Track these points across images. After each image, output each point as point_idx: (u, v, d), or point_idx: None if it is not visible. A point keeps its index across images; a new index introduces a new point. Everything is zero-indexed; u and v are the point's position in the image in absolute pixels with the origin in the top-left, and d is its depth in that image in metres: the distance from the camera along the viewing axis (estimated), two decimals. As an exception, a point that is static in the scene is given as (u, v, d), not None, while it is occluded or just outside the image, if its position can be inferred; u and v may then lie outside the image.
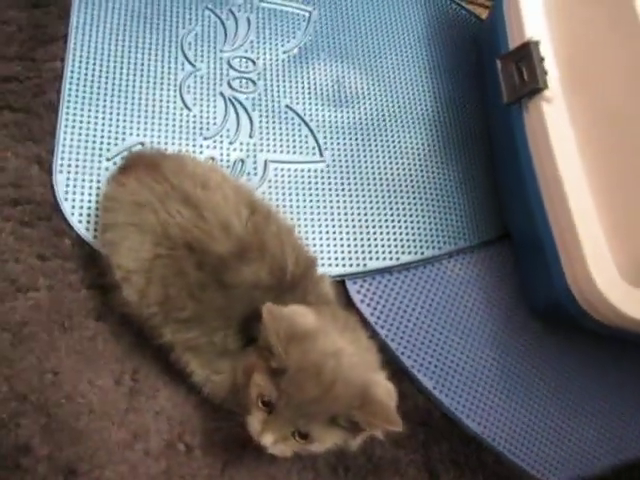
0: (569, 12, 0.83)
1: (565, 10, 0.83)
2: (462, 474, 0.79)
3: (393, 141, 0.90)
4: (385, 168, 0.88)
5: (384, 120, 0.91)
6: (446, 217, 0.88)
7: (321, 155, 0.86)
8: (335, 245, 0.81)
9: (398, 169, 0.88)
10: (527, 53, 0.80)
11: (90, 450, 0.68)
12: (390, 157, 0.89)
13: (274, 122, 0.86)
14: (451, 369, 0.81)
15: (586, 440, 0.85)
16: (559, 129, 0.76)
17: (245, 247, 0.63)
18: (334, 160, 0.86)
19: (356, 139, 0.88)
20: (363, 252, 0.82)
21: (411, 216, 0.86)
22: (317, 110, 0.89)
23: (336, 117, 0.89)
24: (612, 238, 0.72)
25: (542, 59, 0.79)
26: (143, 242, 0.64)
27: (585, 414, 0.87)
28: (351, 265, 0.81)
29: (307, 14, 0.95)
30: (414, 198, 0.87)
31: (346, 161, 0.87)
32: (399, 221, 0.85)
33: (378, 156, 0.88)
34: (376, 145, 0.89)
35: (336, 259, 0.81)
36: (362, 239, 0.83)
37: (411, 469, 0.77)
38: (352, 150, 0.88)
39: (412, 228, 0.85)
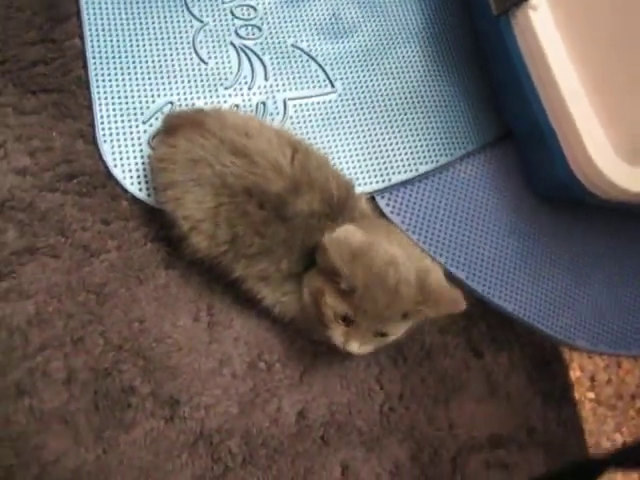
0: None
1: None
2: (501, 347, 0.90)
3: (394, 62, 0.97)
4: (391, 88, 0.95)
5: (382, 43, 0.98)
6: (453, 125, 0.96)
7: (332, 86, 0.93)
8: (360, 166, 0.90)
9: (403, 87, 0.95)
10: None
11: (186, 382, 0.79)
12: (394, 77, 0.96)
13: (285, 62, 0.92)
14: (478, 259, 0.91)
15: (601, 305, 0.97)
16: (546, 32, 0.84)
17: (296, 182, 0.71)
18: (344, 89, 0.93)
19: (361, 65, 0.95)
20: (386, 168, 0.90)
21: (422, 129, 0.94)
22: (321, 44, 0.95)
23: (339, 48, 0.95)
24: (606, 123, 0.81)
25: None
26: (205, 194, 0.72)
27: (598, 282, 0.98)
28: (377, 182, 0.89)
29: (295, -47, 1.00)
30: (422, 112, 0.95)
31: (356, 88, 0.94)
32: (412, 135, 0.93)
33: (383, 78, 0.95)
34: (380, 68, 0.96)
35: (364, 179, 0.89)
36: (383, 157, 0.91)
37: (458, 351, 0.88)
38: (359, 76, 0.94)
39: (425, 140, 0.93)
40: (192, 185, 0.72)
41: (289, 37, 0.94)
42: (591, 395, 0.94)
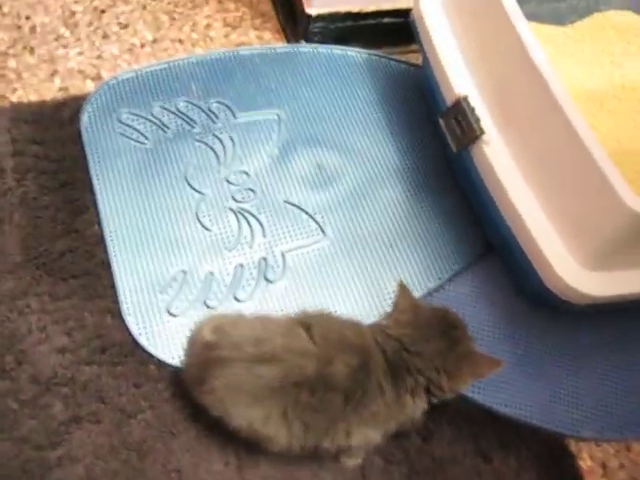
0: (487, 65, 1.00)
1: (484, 63, 1.00)
2: (509, 450, 0.97)
3: (378, 201, 1.09)
4: (378, 226, 1.06)
5: (365, 186, 1.10)
6: (438, 251, 1.06)
7: (324, 233, 1.04)
8: (357, 304, 0.99)
9: (389, 224, 1.07)
10: (460, 108, 0.98)
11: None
12: (379, 215, 1.07)
13: (279, 218, 1.04)
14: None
15: (603, 393, 1.03)
16: (502, 163, 0.94)
17: (325, 354, 0.79)
18: (335, 234, 1.04)
19: (347, 209, 1.07)
20: (380, 302, 1.00)
21: (410, 260, 1.04)
22: (309, 196, 1.07)
23: (326, 197, 1.08)
24: (566, 240, 0.89)
25: (473, 109, 0.97)
26: (267, 410, 0.79)
27: (598, 371, 1.04)
28: (374, 317, 0.98)
29: (276, 117, 1.14)
30: (408, 244, 1.05)
31: (345, 231, 1.05)
32: (402, 267, 1.03)
33: (369, 218, 1.07)
34: (365, 209, 1.08)
35: (360, 315, 0.98)
36: (376, 292, 1.01)
37: (467, 459, 0.96)
38: (347, 220, 1.06)
39: (414, 269, 1.03)
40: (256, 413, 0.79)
41: (280, 194, 1.07)
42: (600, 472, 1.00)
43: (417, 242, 1.06)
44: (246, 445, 0.91)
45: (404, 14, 1.19)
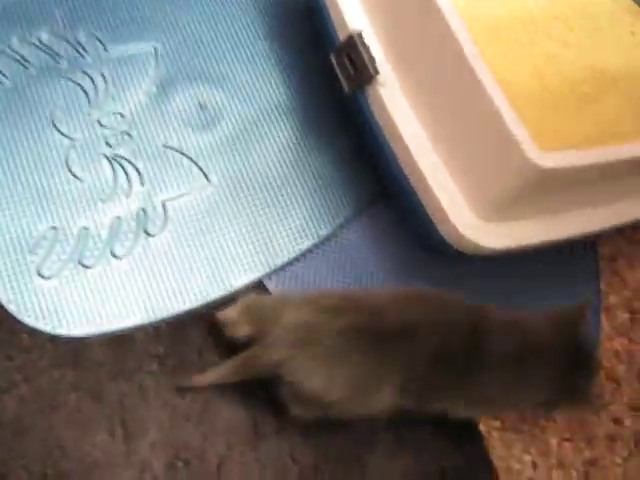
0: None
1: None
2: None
3: (265, 143, 1.01)
4: (265, 170, 0.99)
5: (251, 126, 1.02)
6: (330, 195, 1.00)
7: (208, 179, 0.97)
8: (245, 254, 0.94)
9: (277, 167, 0.99)
10: (354, 45, 0.91)
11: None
12: (267, 158, 1.00)
13: (158, 164, 0.96)
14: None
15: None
16: (398, 106, 0.89)
17: None
18: (220, 180, 0.97)
19: (232, 152, 0.99)
20: (269, 252, 0.94)
21: (300, 206, 0.98)
22: (190, 139, 0.98)
23: (209, 139, 0.99)
24: (462, 189, 0.87)
25: (368, 47, 0.90)
26: None
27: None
28: (262, 267, 0.94)
29: (153, 49, 1.03)
30: (298, 189, 0.99)
31: (231, 177, 0.97)
32: (292, 213, 0.98)
33: (256, 161, 0.99)
34: (252, 152, 1.00)
35: (249, 265, 0.93)
36: (265, 241, 0.95)
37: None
38: (233, 164, 0.98)
39: (304, 216, 0.98)
40: None
41: (159, 138, 0.97)
42: (497, 424, 1.01)
43: (308, 187, 1.00)
44: (133, 412, 0.87)
45: None
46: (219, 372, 0.86)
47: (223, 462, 0.88)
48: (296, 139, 1.03)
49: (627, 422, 1.06)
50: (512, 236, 0.87)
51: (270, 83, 1.06)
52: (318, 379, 0.78)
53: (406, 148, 0.88)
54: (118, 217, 0.92)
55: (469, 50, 0.82)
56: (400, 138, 0.89)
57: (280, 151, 1.02)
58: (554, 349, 0.86)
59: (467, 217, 0.86)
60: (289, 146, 1.02)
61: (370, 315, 0.80)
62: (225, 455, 0.88)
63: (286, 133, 1.03)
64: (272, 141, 1.02)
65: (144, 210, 0.93)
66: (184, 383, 0.87)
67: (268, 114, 1.04)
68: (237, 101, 1.03)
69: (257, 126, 1.03)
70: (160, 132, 0.98)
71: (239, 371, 0.85)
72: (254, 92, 1.05)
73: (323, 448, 0.91)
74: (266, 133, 1.02)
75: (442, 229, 0.88)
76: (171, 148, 0.98)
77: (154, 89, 1.01)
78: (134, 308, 0.88)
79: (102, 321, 0.86)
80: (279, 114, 1.04)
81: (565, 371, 0.86)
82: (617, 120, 1.05)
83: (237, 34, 1.08)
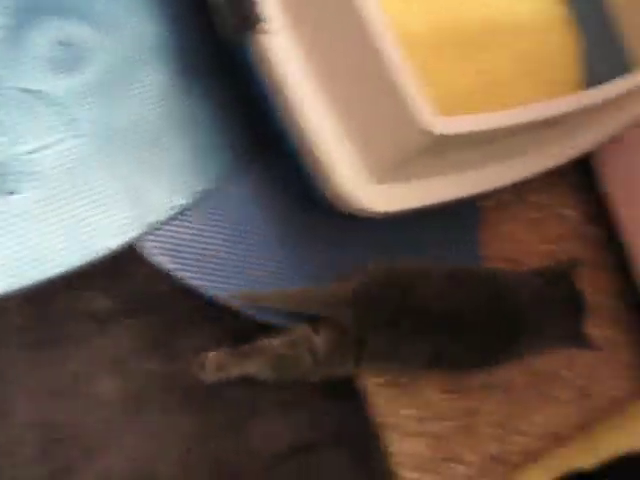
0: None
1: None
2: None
3: (137, 88, 0.91)
4: (138, 118, 0.90)
5: (123, 68, 0.91)
6: (209, 147, 0.94)
7: (74, 129, 0.86)
8: (118, 212, 0.86)
9: (152, 114, 0.91)
10: None
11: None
12: (139, 105, 0.91)
13: (16, 111, 0.84)
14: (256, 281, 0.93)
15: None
16: (285, 58, 0.83)
17: None
18: (87, 130, 0.87)
19: (102, 99, 0.89)
20: (144, 211, 0.87)
21: (177, 159, 0.91)
22: (53, 81, 0.87)
23: (74, 83, 0.88)
24: (352, 149, 0.83)
25: None
26: None
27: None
28: (138, 226, 0.86)
29: (5, -24, 0.89)
30: (174, 141, 0.92)
31: (99, 126, 0.88)
32: (168, 168, 0.91)
33: (127, 109, 0.90)
34: (122, 98, 0.90)
35: (123, 225, 0.86)
36: (139, 199, 0.88)
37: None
38: (101, 112, 0.88)
39: (182, 170, 0.91)
40: None
41: (17, 80, 0.85)
42: (380, 381, 1.03)
43: (185, 139, 0.93)
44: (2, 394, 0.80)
45: None
46: (285, 293, 0.89)
47: (101, 436, 0.83)
48: (172, 85, 0.94)
49: (500, 370, 1.11)
50: (405, 198, 0.87)
51: (143, 19, 0.94)
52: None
53: (293, 104, 0.83)
54: (-28, 175, 0.81)
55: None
56: (286, 92, 0.84)
57: (154, 98, 0.92)
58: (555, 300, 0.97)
59: (358, 179, 0.84)
60: (165, 93, 0.93)
61: None
62: (103, 429, 0.83)
63: (161, 77, 0.94)
64: (146, 87, 0.92)
65: (3, 164, 0.83)
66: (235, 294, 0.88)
67: (141, 55, 0.93)
68: (106, 39, 0.91)
69: (128, 68, 0.92)
70: (18, 74, 0.86)
71: (307, 299, 0.87)
72: (126, 30, 0.93)
73: (206, 417, 0.89)
74: (138, 77, 0.92)
75: (329, 189, 0.85)
76: (31, 92, 0.86)
77: (9, 23, 0.87)
78: (-6, 275, 0.78)
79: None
80: (153, 55, 0.94)
81: (566, 318, 0.99)
82: (497, 69, 1.09)
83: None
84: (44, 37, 0.89)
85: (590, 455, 1.06)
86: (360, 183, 0.83)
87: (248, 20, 0.83)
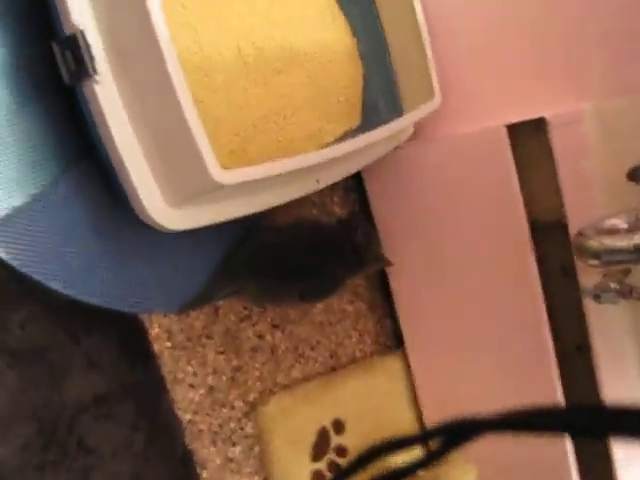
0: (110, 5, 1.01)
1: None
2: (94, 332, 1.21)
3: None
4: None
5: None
6: (39, 153, 1.07)
7: None
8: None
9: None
10: (75, 42, 0.98)
11: None
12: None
13: None
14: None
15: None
16: (110, 103, 1.00)
17: None
18: None
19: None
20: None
21: (10, 161, 1.02)
22: None
23: None
24: (158, 183, 1.05)
25: (89, 46, 0.98)
26: None
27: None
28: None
29: None
30: (8, 145, 1.02)
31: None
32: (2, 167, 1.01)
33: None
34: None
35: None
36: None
37: (58, 338, 1.16)
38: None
39: (14, 172, 1.03)
40: None
41: None
42: (168, 344, 1.30)
43: (18, 145, 1.04)
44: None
45: None
46: None
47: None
48: (10, 99, 1.04)
49: (267, 337, 1.43)
50: (192, 219, 1.09)
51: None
52: None
53: (114, 142, 1.01)
54: None
55: (173, 69, 0.95)
56: (110, 133, 1.00)
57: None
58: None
59: (158, 204, 1.05)
60: (3, 106, 1.03)
61: None
62: None
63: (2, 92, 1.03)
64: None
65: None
66: None
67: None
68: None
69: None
70: None
71: None
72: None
73: (24, 374, 1.10)
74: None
75: (139, 210, 1.05)
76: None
77: None
78: None
79: None
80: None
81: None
82: (293, 94, 1.29)
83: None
84: None
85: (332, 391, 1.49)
86: (157, 205, 1.04)
87: (83, 71, 0.99)
